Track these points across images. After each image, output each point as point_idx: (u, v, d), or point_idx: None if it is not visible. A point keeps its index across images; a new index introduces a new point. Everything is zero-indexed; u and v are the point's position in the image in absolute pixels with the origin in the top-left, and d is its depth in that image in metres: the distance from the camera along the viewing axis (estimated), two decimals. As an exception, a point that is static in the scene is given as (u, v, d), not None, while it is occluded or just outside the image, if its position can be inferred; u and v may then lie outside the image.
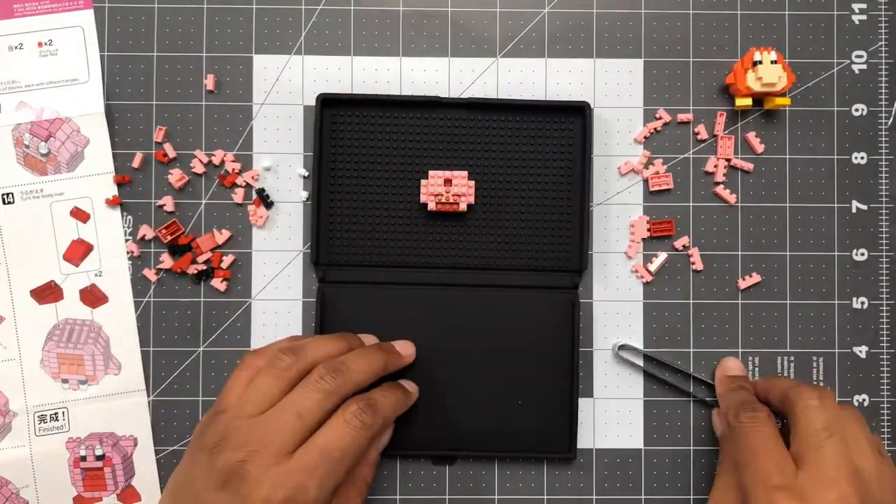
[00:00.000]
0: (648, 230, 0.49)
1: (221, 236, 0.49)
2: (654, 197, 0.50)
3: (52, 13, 0.49)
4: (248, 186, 0.49)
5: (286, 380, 0.41)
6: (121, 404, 0.48)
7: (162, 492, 0.43)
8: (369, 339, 0.47)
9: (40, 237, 0.48)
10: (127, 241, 0.49)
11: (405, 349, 0.47)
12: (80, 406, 0.48)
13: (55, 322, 0.48)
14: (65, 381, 0.48)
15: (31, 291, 0.48)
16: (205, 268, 0.49)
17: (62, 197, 0.49)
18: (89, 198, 0.49)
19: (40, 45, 0.49)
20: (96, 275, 0.49)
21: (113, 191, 0.49)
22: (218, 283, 0.48)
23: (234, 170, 0.49)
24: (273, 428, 0.39)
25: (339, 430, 0.40)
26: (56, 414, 0.48)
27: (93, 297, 0.49)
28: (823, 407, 0.41)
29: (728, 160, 0.50)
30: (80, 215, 0.49)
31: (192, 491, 0.38)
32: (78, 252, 0.49)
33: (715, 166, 0.49)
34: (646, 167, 0.50)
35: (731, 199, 0.49)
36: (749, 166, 0.49)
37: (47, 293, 0.48)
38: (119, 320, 0.49)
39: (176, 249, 0.49)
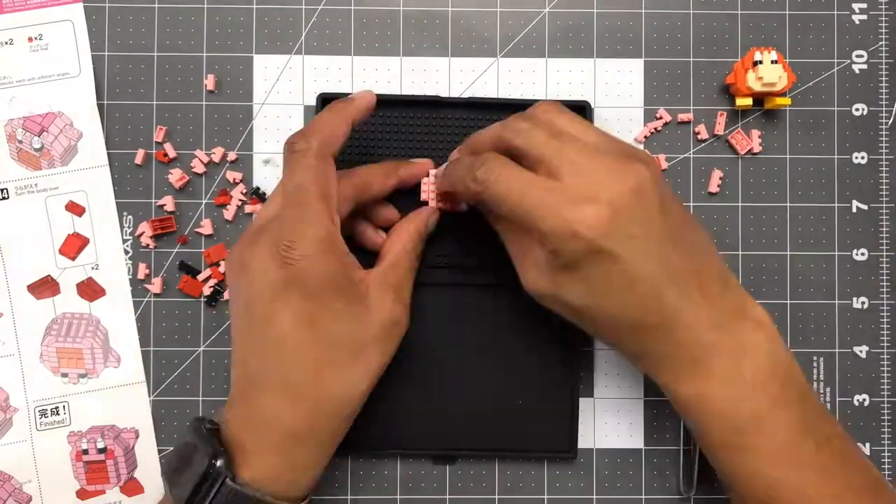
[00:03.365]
0: None
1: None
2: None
3: (42, 7, 0.49)
4: (243, 204, 0.49)
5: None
6: (121, 397, 0.48)
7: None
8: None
9: (36, 232, 0.48)
10: (126, 240, 0.49)
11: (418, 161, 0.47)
12: (80, 399, 0.48)
13: (53, 316, 0.48)
14: (64, 375, 0.48)
15: (28, 286, 0.48)
16: (212, 289, 0.49)
17: (57, 191, 0.49)
18: (84, 191, 0.49)
19: (31, 39, 0.49)
20: (93, 268, 0.49)
21: (108, 184, 0.49)
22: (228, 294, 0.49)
23: (233, 179, 0.49)
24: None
25: None
26: (57, 408, 0.48)
27: (90, 290, 0.48)
28: (535, 124, 0.40)
29: (750, 150, 0.50)
30: (75, 209, 0.49)
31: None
32: (74, 246, 0.48)
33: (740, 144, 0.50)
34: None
35: (758, 147, 0.50)
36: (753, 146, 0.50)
37: (44, 288, 0.48)
38: (117, 313, 0.49)
39: (189, 270, 0.49)
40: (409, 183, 0.46)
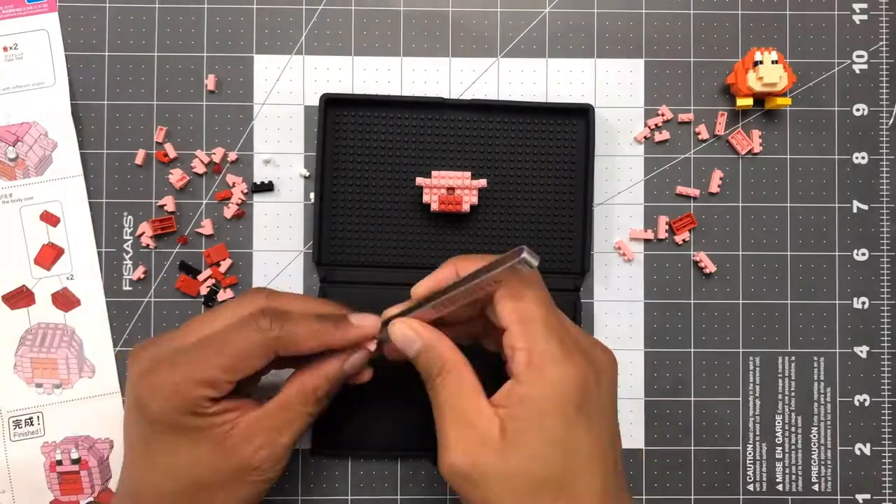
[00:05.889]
0: (667, 230, 0.49)
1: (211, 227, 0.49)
2: (654, 197, 0.50)
3: (17, 17, 0.49)
4: (242, 203, 0.49)
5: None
6: (96, 407, 0.48)
7: None
8: (365, 318, 0.42)
9: (10, 242, 0.48)
10: (126, 241, 0.49)
11: (363, 321, 0.41)
12: (54, 410, 0.48)
13: (28, 327, 0.48)
14: (39, 385, 0.48)
15: (3, 297, 0.48)
16: (209, 289, 0.49)
17: (31, 201, 0.48)
18: (59, 201, 0.48)
19: (5, 49, 0.49)
20: (68, 278, 0.48)
21: (83, 194, 0.48)
22: (224, 294, 0.49)
23: (232, 183, 0.49)
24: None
25: (239, 329, 0.38)
26: (31, 419, 0.48)
27: (65, 300, 0.48)
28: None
29: (750, 151, 0.50)
30: (49, 219, 0.48)
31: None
32: (49, 256, 0.48)
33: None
34: (655, 129, 0.50)
35: (758, 147, 0.50)
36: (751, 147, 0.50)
37: (19, 298, 0.48)
38: (92, 323, 0.48)
39: (189, 271, 0.49)
40: (339, 347, 0.40)
